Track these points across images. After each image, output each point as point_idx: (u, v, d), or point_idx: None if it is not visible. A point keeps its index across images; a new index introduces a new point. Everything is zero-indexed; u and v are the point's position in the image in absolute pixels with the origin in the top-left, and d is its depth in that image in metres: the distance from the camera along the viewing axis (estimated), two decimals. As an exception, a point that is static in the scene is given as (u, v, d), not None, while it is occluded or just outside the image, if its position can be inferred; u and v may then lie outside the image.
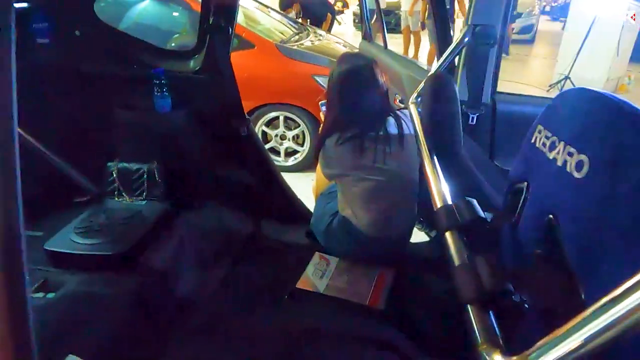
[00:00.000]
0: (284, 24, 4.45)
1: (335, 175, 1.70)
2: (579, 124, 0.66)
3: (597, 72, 5.94)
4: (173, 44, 3.49)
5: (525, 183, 0.80)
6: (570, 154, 0.65)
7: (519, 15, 9.38)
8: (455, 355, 1.43)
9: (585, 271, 0.58)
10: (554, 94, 5.76)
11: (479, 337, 0.59)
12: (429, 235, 2.00)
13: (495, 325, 0.60)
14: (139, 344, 1.38)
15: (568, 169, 0.64)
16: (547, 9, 14.47)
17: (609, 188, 0.56)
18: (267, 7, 4.69)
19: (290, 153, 3.71)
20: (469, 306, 0.64)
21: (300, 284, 1.68)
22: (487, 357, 0.55)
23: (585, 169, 0.61)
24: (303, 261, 1.77)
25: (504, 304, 0.64)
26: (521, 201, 0.80)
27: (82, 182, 1.90)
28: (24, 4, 1.73)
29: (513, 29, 8.58)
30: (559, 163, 0.67)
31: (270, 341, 1.43)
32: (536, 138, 0.78)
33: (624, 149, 0.55)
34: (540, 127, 0.77)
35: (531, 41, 9.89)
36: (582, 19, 5.88)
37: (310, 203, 2.11)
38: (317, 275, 1.73)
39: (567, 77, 5.85)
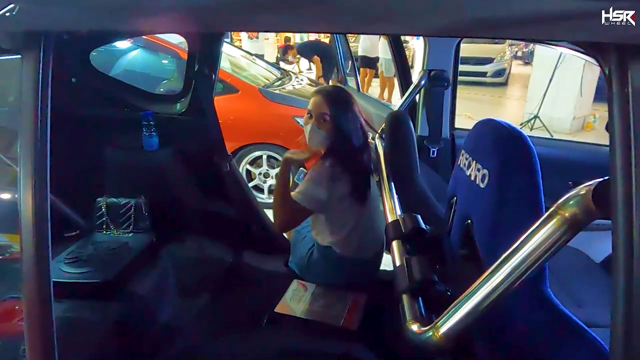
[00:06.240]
0: (267, 70, 4.74)
1: (323, 203, 1.68)
2: (483, 146, 0.83)
3: (563, 111, 6.32)
4: (162, 89, 3.70)
5: (455, 198, 0.96)
6: (478, 170, 0.81)
7: (491, 60, 9.95)
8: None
9: (489, 260, 0.73)
10: (524, 132, 6.07)
11: (408, 318, 0.73)
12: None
13: (421, 307, 0.74)
14: None
15: (477, 182, 0.81)
16: (519, 54, 15.30)
17: (500, 193, 0.72)
18: (251, 54, 5.00)
19: (273, 190, 3.84)
20: (403, 295, 0.78)
21: (278, 309, 1.78)
22: (410, 328, 0.68)
23: (487, 180, 0.77)
24: (282, 288, 1.87)
25: (431, 292, 0.78)
26: (452, 212, 0.95)
27: (72, 217, 2.01)
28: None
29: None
30: (472, 178, 0.84)
31: None
32: (460, 161, 0.94)
33: (509, 162, 0.72)
34: (463, 151, 0.94)
35: (504, 84, 10.43)
36: (547, 62, 6.31)
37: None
38: (295, 300, 1.82)
39: (536, 116, 6.20)
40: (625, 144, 0.43)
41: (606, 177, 0.49)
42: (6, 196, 1.80)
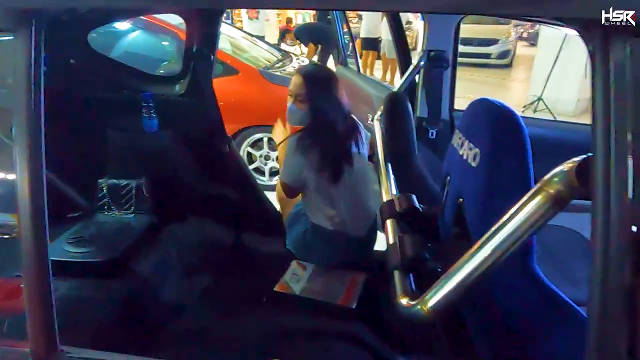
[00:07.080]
0: (268, 51, 4.70)
1: (297, 174, 1.77)
2: (476, 125, 0.83)
3: (567, 93, 6.25)
4: (162, 71, 3.68)
5: (448, 177, 0.97)
6: (470, 149, 0.82)
7: (496, 41, 9.79)
8: (418, 350, 1.58)
9: (478, 237, 0.74)
10: (527, 114, 6.03)
11: (399, 293, 0.75)
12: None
13: (412, 283, 0.76)
14: (125, 345, 1.49)
15: (469, 161, 0.82)
16: (525, 35, 15.04)
17: (490, 172, 0.73)
18: (251, 35, 4.95)
19: (274, 173, 3.87)
20: (395, 272, 0.80)
21: (278, 288, 1.82)
22: (400, 302, 0.70)
23: (478, 159, 0.78)
24: (281, 269, 1.90)
25: (422, 269, 0.79)
26: (445, 191, 0.97)
27: (74, 198, 2.03)
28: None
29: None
30: (464, 157, 0.84)
31: (249, 340, 1.56)
32: (455, 140, 0.95)
33: (500, 141, 0.73)
34: (457, 131, 0.95)
35: (508, 66, 10.29)
36: (552, 43, 6.21)
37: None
38: (294, 280, 1.86)
39: (539, 98, 6.14)
40: (605, 120, 0.43)
41: (589, 154, 0.50)
42: (11, 177, 1.82)
